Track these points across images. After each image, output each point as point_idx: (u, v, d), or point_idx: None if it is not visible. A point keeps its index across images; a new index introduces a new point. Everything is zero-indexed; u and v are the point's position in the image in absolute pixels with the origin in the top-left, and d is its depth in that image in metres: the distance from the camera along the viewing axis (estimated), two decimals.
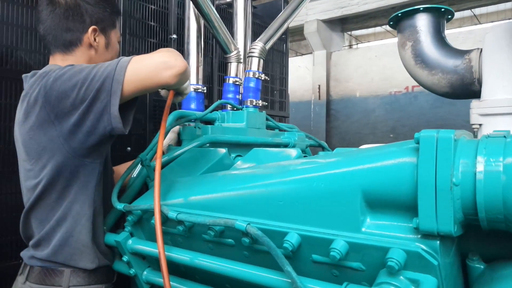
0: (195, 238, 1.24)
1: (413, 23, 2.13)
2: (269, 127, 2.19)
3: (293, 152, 1.58)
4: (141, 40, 2.20)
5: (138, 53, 1.92)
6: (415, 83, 2.42)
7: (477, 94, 2.03)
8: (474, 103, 1.99)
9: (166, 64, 1.19)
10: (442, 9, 2.38)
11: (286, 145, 2.12)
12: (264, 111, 2.13)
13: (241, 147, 1.84)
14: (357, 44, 11.65)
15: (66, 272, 1.29)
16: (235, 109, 2.06)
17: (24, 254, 1.36)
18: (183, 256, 1.22)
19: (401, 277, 0.87)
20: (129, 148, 2.08)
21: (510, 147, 0.81)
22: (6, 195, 1.64)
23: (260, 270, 1.05)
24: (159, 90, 1.45)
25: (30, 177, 1.29)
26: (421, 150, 0.85)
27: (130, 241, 1.35)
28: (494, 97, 1.88)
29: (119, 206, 1.33)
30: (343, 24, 9.66)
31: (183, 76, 1.23)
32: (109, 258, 1.41)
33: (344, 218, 0.96)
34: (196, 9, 1.98)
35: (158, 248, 1.14)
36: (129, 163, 1.61)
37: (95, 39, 1.40)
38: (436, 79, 2.08)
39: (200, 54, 2.09)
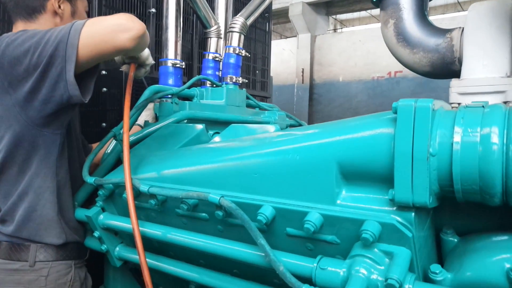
0: (169, 212, 1.21)
1: (396, 0, 2.10)
2: (249, 106, 2.15)
3: (271, 128, 1.55)
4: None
5: None
6: (398, 69, 2.40)
7: (457, 74, 2.02)
8: (453, 82, 1.98)
9: (123, 27, 1.12)
10: None
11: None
12: (244, 89, 2.08)
13: (220, 124, 1.80)
14: (341, 28, 11.62)
15: (32, 247, 1.25)
16: (214, 85, 2.01)
17: None
18: (155, 230, 1.19)
19: (376, 249, 0.86)
20: (104, 124, 2.02)
21: (488, 118, 0.79)
22: None
23: (234, 244, 1.03)
24: (120, 63, 1.41)
25: None
26: (399, 119, 0.83)
27: (101, 216, 1.31)
28: (474, 76, 1.88)
29: (90, 179, 1.28)
30: (328, 7, 9.59)
31: (141, 40, 1.16)
32: (79, 234, 1.37)
33: (319, 190, 0.94)
34: None
35: (131, 223, 1.10)
36: None
37: (59, 6, 1.33)
38: (417, 58, 2.07)
39: (179, 28, 2.02)
